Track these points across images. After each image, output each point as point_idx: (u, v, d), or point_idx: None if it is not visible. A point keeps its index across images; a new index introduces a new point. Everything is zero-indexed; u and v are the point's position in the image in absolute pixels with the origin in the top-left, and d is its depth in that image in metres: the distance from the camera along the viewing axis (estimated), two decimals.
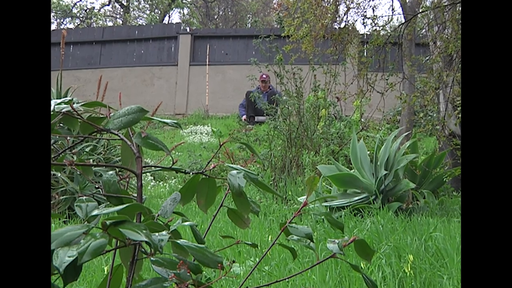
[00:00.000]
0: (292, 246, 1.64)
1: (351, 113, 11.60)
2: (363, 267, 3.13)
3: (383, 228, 4.09)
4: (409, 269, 2.97)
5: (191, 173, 1.60)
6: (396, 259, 3.25)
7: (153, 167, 1.65)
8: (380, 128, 10.30)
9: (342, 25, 9.04)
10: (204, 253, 1.28)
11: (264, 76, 13.85)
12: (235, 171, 1.58)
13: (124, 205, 1.28)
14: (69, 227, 1.24)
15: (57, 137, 1.66)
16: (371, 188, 5.90)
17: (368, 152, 6.34)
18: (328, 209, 5.76)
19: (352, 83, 9.16)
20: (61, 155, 1.67)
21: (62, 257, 1.17)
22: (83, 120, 1.56)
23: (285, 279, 1.99)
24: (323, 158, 8.35)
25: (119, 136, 1.56)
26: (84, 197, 1.42)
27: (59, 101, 1.57)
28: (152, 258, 1.29)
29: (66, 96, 6.96)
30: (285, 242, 1.67)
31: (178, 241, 1.30)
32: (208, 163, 1.68)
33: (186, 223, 1.45)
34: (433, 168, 6.44)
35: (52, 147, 1.64)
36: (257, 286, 1.64)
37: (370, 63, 8.59)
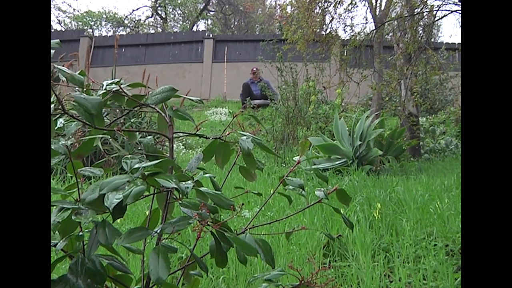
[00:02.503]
0: (289, 195, 1.60)
1: (334, 99, 11.60)
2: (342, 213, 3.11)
3: (357, 184, 4.06)
4: (377, 214, 2.95)
5: (211, 138, 1.58)
6: (367, 207, 3.23)
7: (181, 133, 1.61)
8: (356, 110, 10.29)
9: (328, 31, 9.01)
10: (220, 198, 1.26)
11: (254, 68, 13.70)
12: (245, 137, 1.55)
13: (159, 160, 1.25)
14: (117, 176, 1.22)
15: (109, 110, 1.62)
16: (349, 154, 5.89)
17: (348, 128, 6.31)
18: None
19: (335, 75, 9.20)
20: (111, 125, 1.64)
21: (111, 199, 1.15)
22: (128, 97, 1.53)
23: (282, 219, 1.98)
24: (313, 133, 8.36)
25: (156, 109, 1.53)
26: (129, 156, 1.39)
27: (109, 82, 1.54)
28: (180, 202, 1.26)
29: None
30: (283, 192, 1.64)
31: (200, 188, 1.27)
32: (224, 131, 1.65)
33: (206, 175, 1.42)
34: (396, 139, 6.41)
35: (105, 119, 1.62)
36: (260, 224, 1.62)
37: (349, 60, 8.57)
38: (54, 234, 1.32)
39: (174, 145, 7.31)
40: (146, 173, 1.23)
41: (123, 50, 18.73)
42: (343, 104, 11.21)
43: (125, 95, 1.54)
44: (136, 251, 1.47)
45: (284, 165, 6.55)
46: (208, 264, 2.46)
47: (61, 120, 1.40)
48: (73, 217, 1.22)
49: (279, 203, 3.51)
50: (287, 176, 1.58)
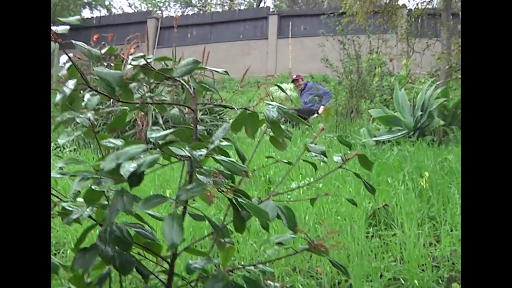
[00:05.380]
0: (313, 162, 1.60)
1: (401, 70, 11.36)
2: (389, 182, 3.09)
3: (408, 154, 3.99)
4: (425, 183, 2.90)
5: (236, 108, 1.60)
6: (417, 176, 3.18)
7: (205, 104, 1.64)
8: (424, 81, 10.05)
9: (388, 0, 8.82)
10: (234, 165, 1.28)
11: (293, 76, 11.19)
12: (271, 106, 1.56)
13: (174, 129, 1.29)
14: (134, 146, 1.27)
15: (141, 83, 1.67)
16: (410, 125, 5.79)
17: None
18: (376, 143, 5.67)
19: (395, 46, 9.00)
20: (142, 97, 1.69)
21: (127, 167, 1.19)
22: (155, 71, 1.57)
23: (304, 186, 1.97)
24: (376, 105, 8.24)
25: (180, 81, 1.57)
26: (156, 127, 1.44)
27: (137, 56, 1.58)
28: (197, 169, 1.30)
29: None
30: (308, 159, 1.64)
31: (215, 156, 1.30)
32: (250, 101, 1.66)
33: (224, 142, 1.43)
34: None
35: (135, 93, 1.67)
36: (285, 191, 1.63)
37: (411, 30, 8.38)
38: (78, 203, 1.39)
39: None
40: (160, 142, 1.27)
41: (190, 29, 19.01)
42: (410, 75, 10.97)
43: (152, 69, 1.58)
44: (158, 217, 1.52)
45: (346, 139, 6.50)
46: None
47: (87, 95, 1.46)
48: (93, 186, 1.29)
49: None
50: (311, 143, 1.58)
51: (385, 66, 10.15)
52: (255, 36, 18.14)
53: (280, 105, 1.61)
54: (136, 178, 1.22)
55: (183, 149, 1.23)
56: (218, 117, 5.95)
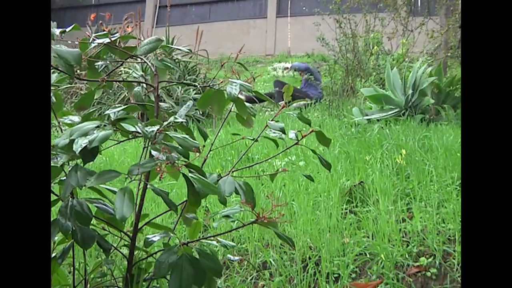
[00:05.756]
0: (275, 139, 1.63)
1: (397, 49, 11.32)
2: (367, 160, 3.12)
3: (389, 132, 4.01)
4: (401, 160, 2.93)
5: (198, 86, 1.62)
6: (397, 154, 3.20)
7: (166, 82, 1.66)
8: (422, 60, 10.03)
9: None
10: (185, 141, 1.31)
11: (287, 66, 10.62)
12: (233, 84, 1.59)
13: (126, 106, 1.32)
14: (88, 122, 1.29)
15: (106, 61, 1.68)
16: (401, 104, 5.81)
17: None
18: (367, 121, 5.68)
19: (388, 25, 9.01)
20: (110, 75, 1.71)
21: (80, 143, 1.22)
22: (119, 49, 1.59)
23: (263, 161, 2.00)
24: (371, 84, 8.24)
25: (143, 59, 1.59)
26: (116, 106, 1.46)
27: (100, 34, 1.60)
28: (151, 145, 1.32)
29: (172, 43, 7.03)
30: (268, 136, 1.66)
31: (168, 133, 1.32)
32: (212, 79, 1.68)
33: (178, 120, 1.45)
34: (455, 88, 6.21)
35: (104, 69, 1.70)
36: (244, 167, 1.66)
37: (403, 8, 8.36)
38: None
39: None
40: (113, 118, 1.30)
41: (189, 8, 18.95)
42: (408, 54, 10.94)
43: (116, 48, 1.60)
44: (112, 191, 1.55)
45: (338, 118, 6.52)
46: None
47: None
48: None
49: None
50: (272, 120, 1.61)
51: (381, 45, 10.14)
52: (255, 15, 18.07)
53: (245, 83, 1.63)
54: (88, 153, 1.26)
55: (134, 125, 1.26)
56: None
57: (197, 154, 1.29)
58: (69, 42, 1.62)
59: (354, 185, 2.72)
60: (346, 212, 2.58)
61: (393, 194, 2.60)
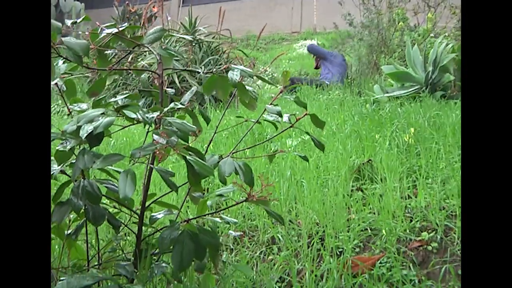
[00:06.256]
0: (274, 122, 1.72)
1: (422, 25, 11.22)
2: (376, 138, 3.18)
3: (400, 110, 4.05)
4: (408, 139, 2.99)
5: (201, 73, 1.71)
6: (401, 133, 3.25)
7: (170, 69, 1.75)
8: (450, 36, 9.92)
9: None
10: (183, 125, 1.40)
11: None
12: (235, 70, 1.67)
13: (129, 94, 1.42)
14: (93, 110, 1.40)
15: (115, 50, 1.78)
16: (421, 81, 5.81)
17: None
18: (388, 99, 5.71)
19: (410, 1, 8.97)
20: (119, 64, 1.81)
21: (86, 129, 1.33)
22: (126, 39, 1.69)
23: (265, 141, 2.06)
24: (394, 61, 8.21)
25: (148, 47, 1.69)
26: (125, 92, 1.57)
27: (108, 24, 1.70)
28: (153, 130, 1.42)
29: (195, 24, 7.11)
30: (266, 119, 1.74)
31: (168, 118, 1.42)
32: (214, 64, 1.77)
33: (178, 106, 1.53)
34: None
35: (112, 58, 1.80)
36: (243, 148, 1.75)
37: None
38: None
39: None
40: (116, 105, 1.40)
41: None
42: (434, 29, 10.82)
43: (123, 37, 1.70)
44: (119, 171, 1.66)
45: (360, 95, 6.55)
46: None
47: (60, 62, 1.60)
48: (58, 147, 1.43)
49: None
50: (270, 104, 1.70)
51: (407, 21, 10.06)
52: None
53: (247, 69, 1.72)
54: (94, 138, 1.36)
55: (135, 112, 1.36)
56: None
57: (194, 138, 1.39)
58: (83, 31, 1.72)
59: (363, 163, 2.79)
60: (354, 190, 2.66)
61: (400, 172, 2.67)
